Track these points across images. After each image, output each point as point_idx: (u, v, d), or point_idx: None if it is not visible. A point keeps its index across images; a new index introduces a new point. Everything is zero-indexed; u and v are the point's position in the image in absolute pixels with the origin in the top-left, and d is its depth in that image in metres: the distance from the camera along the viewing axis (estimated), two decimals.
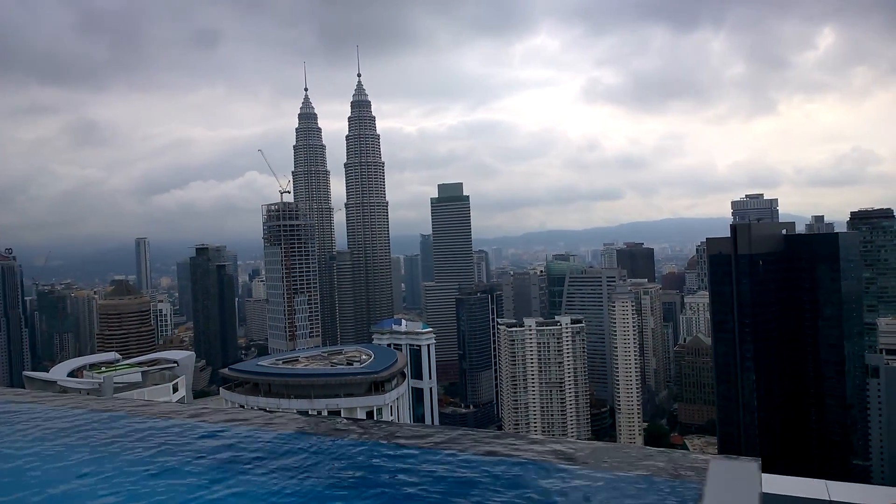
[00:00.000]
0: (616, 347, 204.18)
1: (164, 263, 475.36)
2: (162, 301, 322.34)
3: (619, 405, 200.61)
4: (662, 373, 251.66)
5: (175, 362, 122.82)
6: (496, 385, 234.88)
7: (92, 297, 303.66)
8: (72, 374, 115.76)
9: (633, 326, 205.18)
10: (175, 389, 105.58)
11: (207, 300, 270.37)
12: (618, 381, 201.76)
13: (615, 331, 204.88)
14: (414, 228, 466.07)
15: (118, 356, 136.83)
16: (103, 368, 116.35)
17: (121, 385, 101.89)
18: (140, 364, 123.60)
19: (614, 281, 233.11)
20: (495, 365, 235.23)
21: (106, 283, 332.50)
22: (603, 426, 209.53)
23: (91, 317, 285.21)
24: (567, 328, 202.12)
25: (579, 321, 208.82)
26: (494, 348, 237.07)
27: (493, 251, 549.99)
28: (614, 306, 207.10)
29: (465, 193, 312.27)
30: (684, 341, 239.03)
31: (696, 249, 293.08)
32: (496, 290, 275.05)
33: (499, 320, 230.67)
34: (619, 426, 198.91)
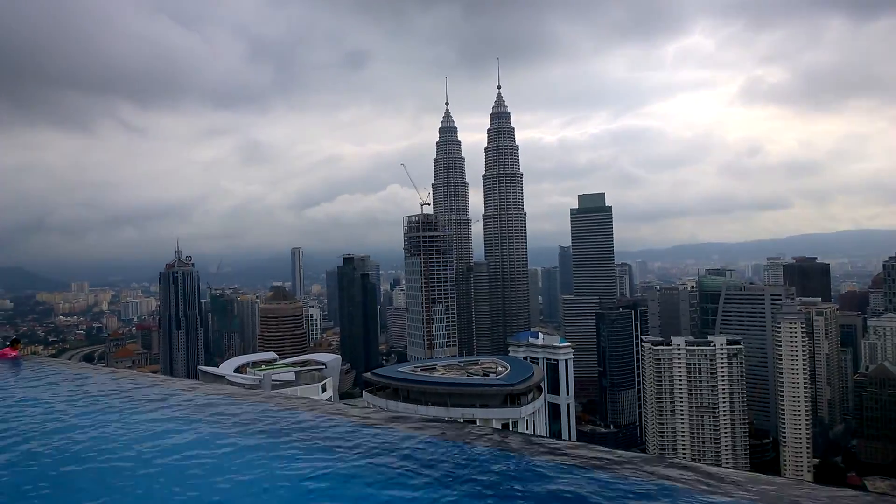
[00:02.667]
0: (781, 373, 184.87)
1: (315, 271, 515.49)
2: (313, 307, 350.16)
3: (785, 437, 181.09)
4: (838, 404, 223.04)
5: (324, 364, 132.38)
6: (639, 406, 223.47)
7: (254, 301, 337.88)
8: (237, 370, 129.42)
9: (804, 351, 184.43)
10: (323, 389, 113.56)
11: (352, 307, 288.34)
12: (783, 410, 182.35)
13: (780, 355, 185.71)
14: (552, 240, 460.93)
15: (275, 356, 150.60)
16: (263, 366, 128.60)
17: (277, 382, 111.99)
18: (293, 364, 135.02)
19: (780, 299, 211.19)
20: (638, 384, 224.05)
21: (266, 289, 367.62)
22: (764, 459, 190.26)
23: (253, 319, 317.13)
24: (722, 349, 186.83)
25: (737, 342, 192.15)
26: (638, 367, 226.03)
27: (637, 264, 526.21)
28: (779, 327, 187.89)
29: (607, 204, 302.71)
30: (866, 370, 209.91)
31: (884, 266, 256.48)
32: (640, 305, 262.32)
33: (643, 337, 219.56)
34: (785, 461, 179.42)
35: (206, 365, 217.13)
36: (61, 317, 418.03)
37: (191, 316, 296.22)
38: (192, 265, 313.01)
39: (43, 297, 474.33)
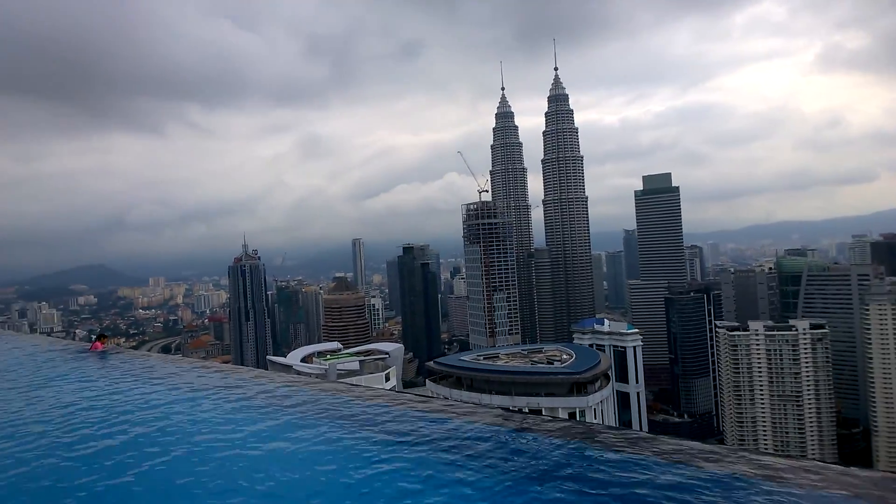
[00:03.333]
0: (871, 358, 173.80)
1: (375, 261, 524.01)
2: (374, 296, 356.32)
3: (877, 426, 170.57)
4: None
5: (387, 353, 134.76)
6: (715, 394, 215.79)
7: (318, 292, 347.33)
8: (303, 359, 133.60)
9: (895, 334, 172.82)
10: (387, 378, 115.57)
11: (413, 296, 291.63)
12: (874, 397, 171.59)
13: (870, 339, 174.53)
14: (616, 224, 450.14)
15: (340, 345, 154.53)
16: (328, 356, 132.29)
17: (342, 371, 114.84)
18: (357, 353, 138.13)
19: (868, 280, 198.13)
20: (714, 372, 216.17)
21: (329, 280, 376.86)
22: (855, 449, 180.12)
23: (318, 309, 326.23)
24: (805, 334, 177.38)
25: (821, 326, 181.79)
26: (712, 354, 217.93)
27: (708, 246, 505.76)
28: (868, 309, 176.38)
29: (673, 184, 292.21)
30: None
31: None
32: (713, 289, 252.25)
33: (717, 323, 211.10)
34: (877, 451, 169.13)
35: (273, 355, 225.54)
36: (140, 310, 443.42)
37: (258, 308, 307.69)
38: (259, 258, 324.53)
39: (124, 292, 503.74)
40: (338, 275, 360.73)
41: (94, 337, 17.97)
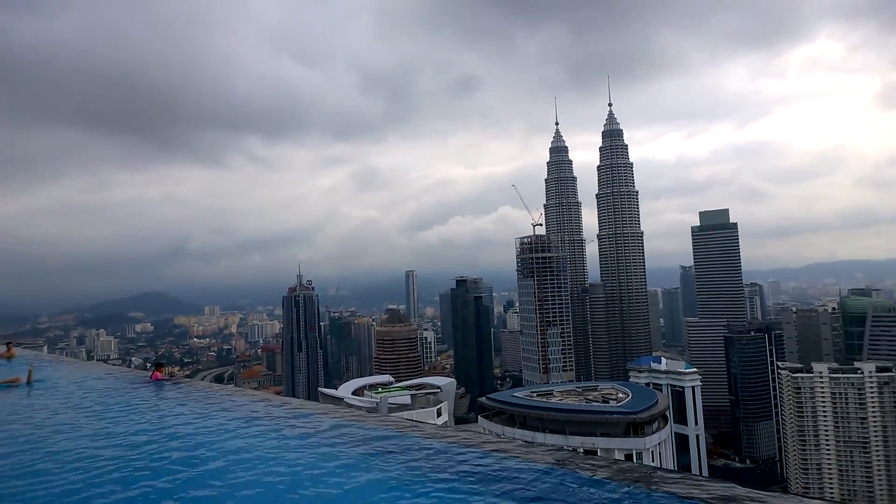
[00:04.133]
0: None
1: (428, 293, 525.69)
2: (427, 329, 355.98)
3: None
4: None
5: (439, 388, 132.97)
6: (778, 439, 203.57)
7: (370, 323, 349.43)
8: (355, 392, 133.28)
9: None
10: (439, 414, 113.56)
11: (466, 330, 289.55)
12: None
13: None
14: (672, 260, 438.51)
15: (391, 379, 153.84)
16: (380, 389, 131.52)
17: (393, 406, 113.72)
18: (409, 387, 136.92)
19: None
20: (776, 415, 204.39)
21: (381, 312, 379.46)
22: None
23: (370, 341, 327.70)
24: (871, 377, 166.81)
25: (888, 369, 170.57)
26: (775, 396, 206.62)
27: (768, 284, 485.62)
28: None
29: (731, 220, 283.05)
30: None
31: None
32: (775, 328, 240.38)
33: (780, 364, 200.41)
34: None
35: (325, 386, 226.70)
36: (195, 339, 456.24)
37: (311, 338, 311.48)
38: (313, 288, 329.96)
39: (180, 321, 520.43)
40: (391, 307, 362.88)
41: (151, 366, 18.01)
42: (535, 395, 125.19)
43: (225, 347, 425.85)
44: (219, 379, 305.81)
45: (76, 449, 9.61)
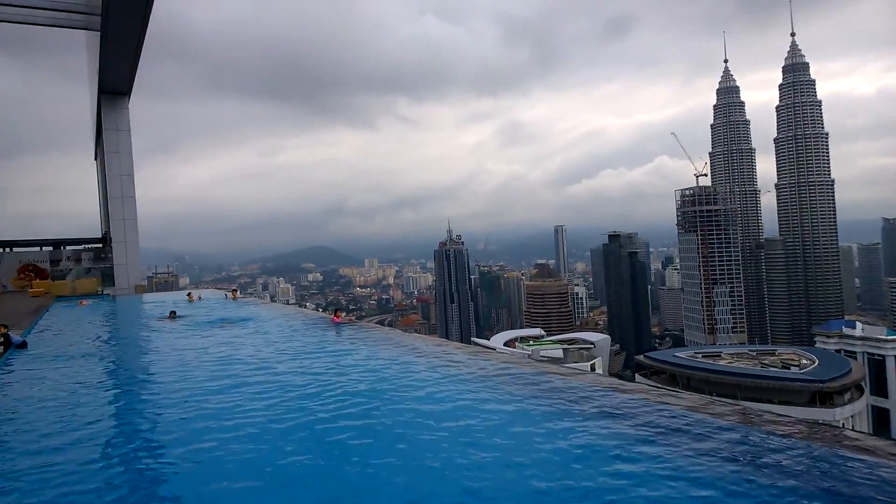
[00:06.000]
0: None
1: (578, 249, 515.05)
2: (578, 285, 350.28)
3: None
4: None
5: (592, 343, 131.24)
6: None
7: (519, 278, 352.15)
8: (506, 343, 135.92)
9: None
10: (592, 369, 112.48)
11: (620, 286, 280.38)
12: None
13: None
14: (871, 211, 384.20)
15: (542, 332, 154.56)
16: (531, 342, 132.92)
17: (545, 358, 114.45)
18: (561, 342, 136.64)
19: None
20: None
21: (530, 266, 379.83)
22: None
23: (519, 295, 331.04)
24: None
25: None
26: None
27: None
28: None
29: None
30: None
31: None
32: None
33: None
34: None
35: (476, 337, 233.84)
36: (358, 288, 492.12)
37: (462, 291, 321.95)
38: (462, 243, 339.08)
39: (344, 271, 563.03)
40: (540, 261, 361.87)
41: (332, 310, 21.19)
42: (699, 356, 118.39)
43: (384, 297, 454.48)
44: (380, 324, 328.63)
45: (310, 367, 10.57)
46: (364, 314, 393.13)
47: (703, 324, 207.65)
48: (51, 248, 44.26)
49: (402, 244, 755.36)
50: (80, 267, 43.38)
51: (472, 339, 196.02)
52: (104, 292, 38.62)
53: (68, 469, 6.16)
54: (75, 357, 13.42)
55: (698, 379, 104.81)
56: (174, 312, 22.29)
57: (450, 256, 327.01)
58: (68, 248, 44.97)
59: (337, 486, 5.65)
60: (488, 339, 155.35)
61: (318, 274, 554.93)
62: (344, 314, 20.48)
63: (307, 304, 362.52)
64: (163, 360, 13.02)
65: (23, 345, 14.36)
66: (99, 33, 30.06)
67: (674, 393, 8.58)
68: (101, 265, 43.17)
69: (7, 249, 44.06)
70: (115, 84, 37.75)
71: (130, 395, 10.07)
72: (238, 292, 33.14)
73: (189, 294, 32.35)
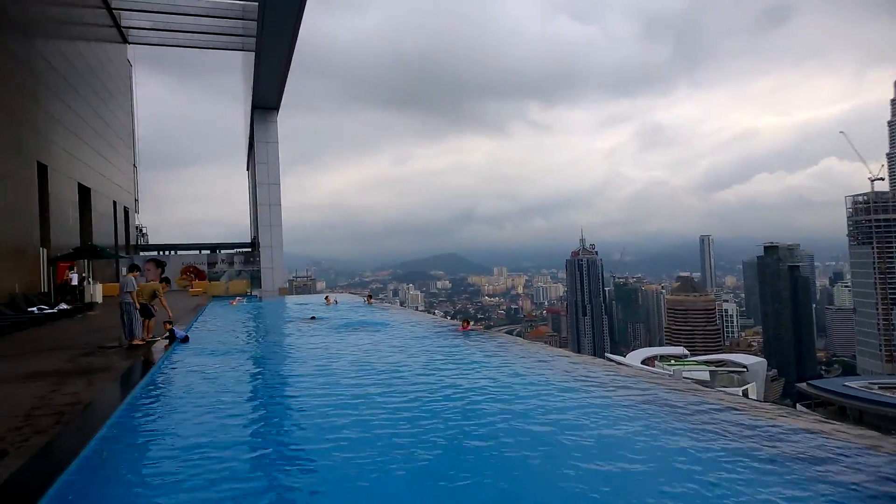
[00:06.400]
0: None
1: (727, 261, 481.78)
2: (727, 301, 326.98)
3: None
4: None
5: (744, 367, 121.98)
6: None
7: (659, 291, 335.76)
8: (644, 362, 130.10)
9: None
10: (745, 396, 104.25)
11: (779, 304, 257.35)
12: None
13: None
14: None
15: (685, 351, 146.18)
16: (672, 361, 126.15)
17: (689, 381, 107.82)
18: (707, 363, 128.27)
19: None
20: None
21: (671, 279, 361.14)
22: None
23: (659, 310, 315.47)
24: None
25: None
26: None
27: None
28: None
29: None
30: None
31: None
32: None
33: None
34: None
35: (611, 352, 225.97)
36: (486, 297, 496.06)
37: (596, 303, 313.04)
38: (596, 253, 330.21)
39: (472, 280, 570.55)
40: (682, 274, 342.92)
41: (461, 318, 22.18)
42: (875, 386, 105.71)
43: (513, 307, 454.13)
44: (509, 335, 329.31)
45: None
46: (492, 324, 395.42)
47: (881, 350, 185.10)
48: (208, 252, 49.67)
49: (532, 253, 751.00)
50: (232, 269, 48.16)
51: (606, 354, 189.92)
52: (252, 293, 42.63)
53: (219, 450, 6.97)
54: (232, 352, 15.02)
55: (873, 413, 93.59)
56: (314, 317, 24.00)
57: (583, 266, 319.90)
58: (222, 251, 50.16)
59: (471, 497, 5.77)
60: (624, 356, 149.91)
61: (447, 281, 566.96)
62: (472, 323, 21.09)
63: (435, 311, 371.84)
64: (304, 360, 14.06)
65: (185, 339, 16.26)
66: (254, 53, 33.37)
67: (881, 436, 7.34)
68: (250, 268, 47.65)
69: (173, 252, 50.35)
70: (266, 99, 41.65)
71: (275, 390, 11.05)
72: (372, 298, 35.03)
73: (326, 298, 34.62)
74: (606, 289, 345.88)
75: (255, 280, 45.20)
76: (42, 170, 28.57)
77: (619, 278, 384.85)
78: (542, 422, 8.10)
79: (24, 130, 26.62)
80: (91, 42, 39.82)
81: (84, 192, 36.68)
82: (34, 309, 22.56)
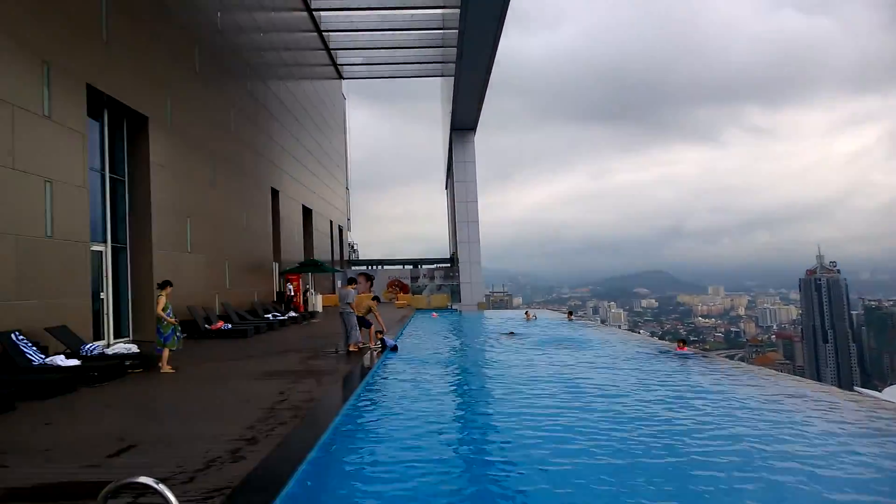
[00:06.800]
0: None
1: None
2: None
3: None
4: None
5: None
6: None
7: None
8: None
9: None
10: None
11: None
12: None
13: None
14: None
15: None
16: None
17: None
18: None
19: None
20: None
21: None
22: None
23: None
24: None
25: None
26: None
27: None
28: None
29: None
30: None
31: None
32: None
33: None
34: None
35: (861, 386, 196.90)
36: (699, 318, 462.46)
37: (839, 329, 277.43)
38: (838, 271, 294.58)
39: (682, 299, 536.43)
40: None
41: (676, 341, 20.89)
42: None
43: (732, 329, 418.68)
44: (730, 359, 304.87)
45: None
46: (708, 346, 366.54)
47: None
48: (410, 267, 53.70)
49: (755, 270, 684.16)
50: (433, 283, 51.42)
51: (856, 387, 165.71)
52: (452, 307, 45.07)
53: (429, 451, 7.58)
54: (439, 362, 16.28)
55: None
56: (512, 332, 24.58)
57: (821, 287, 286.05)
58: (424, 266, 53.81)
59: None
60: (879, 391, 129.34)
61: (653, 300, 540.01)
62: (688, 345, 20.15)
63: (640, 330, 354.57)
64: (503, 373, 14.52)
65: (394, 348, 17.78)
66: (453, 78, 35.63)
67: None
68: (450, 283, 50.39)
69: (379, 266, 55.42)
70: (463, 121, 44.04)
71: (476, 401, 11.62)
72: (572, 314, 35.10)
73: (526, 313, 35.30)
74: (853, 312, 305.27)
75: (455, 294, 47.67)
76: (274, 194, 33.58)
77: (870, 301, 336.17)
78: (788, 465, 6.88)
79: (263, 163, 31.54)
80: (314, 80, 45.75)
81: (306, 213, 42.20)
82: (269, 315, 26.84)
